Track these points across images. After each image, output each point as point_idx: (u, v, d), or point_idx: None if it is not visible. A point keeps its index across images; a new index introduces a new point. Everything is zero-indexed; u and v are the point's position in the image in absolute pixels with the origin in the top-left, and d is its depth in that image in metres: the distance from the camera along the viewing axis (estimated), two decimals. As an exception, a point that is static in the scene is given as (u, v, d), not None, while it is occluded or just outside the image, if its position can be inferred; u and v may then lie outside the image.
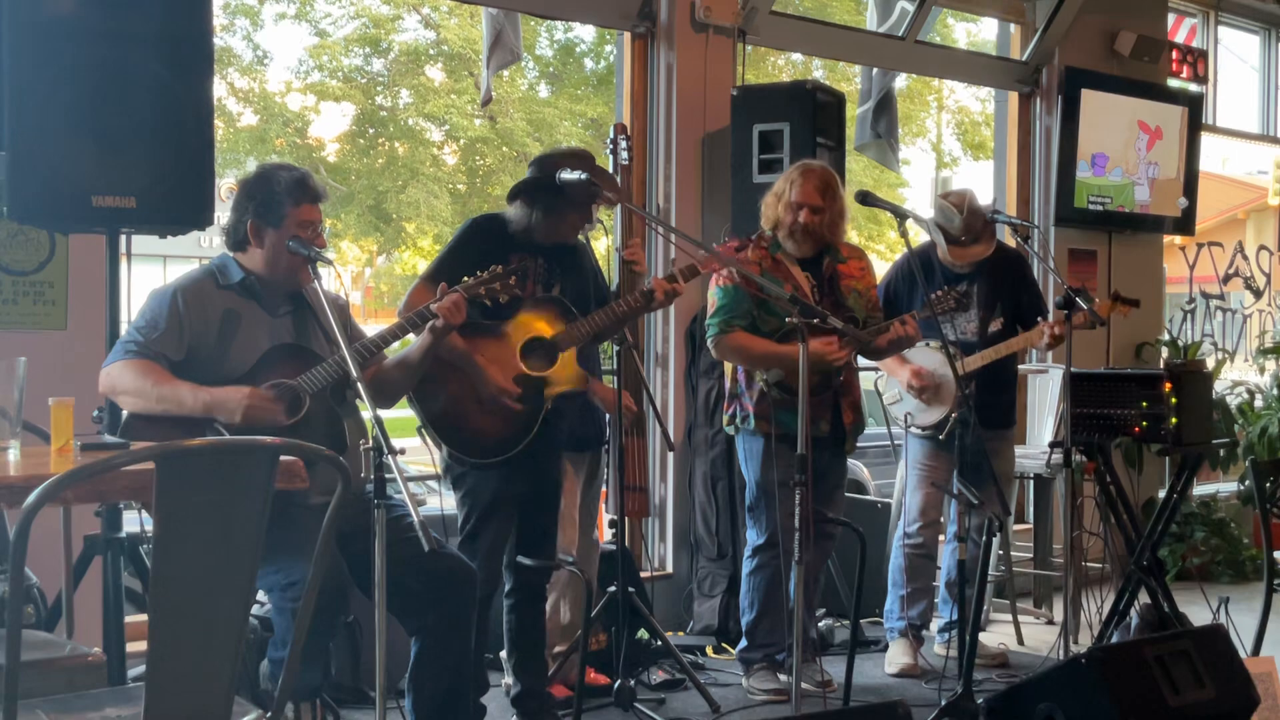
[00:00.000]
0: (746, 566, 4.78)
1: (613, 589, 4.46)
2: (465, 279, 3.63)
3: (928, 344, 4.77)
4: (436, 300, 3.56)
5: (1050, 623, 6.03)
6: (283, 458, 2.37)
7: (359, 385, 3.03)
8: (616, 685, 4.38)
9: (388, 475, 2.82)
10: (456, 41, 13.98)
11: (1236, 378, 8.33)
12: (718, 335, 4.64)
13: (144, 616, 2.66)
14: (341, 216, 14.43)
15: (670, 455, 5.69)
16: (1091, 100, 7.17)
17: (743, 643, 4.84)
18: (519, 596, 4.19)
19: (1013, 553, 6.08)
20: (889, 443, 5.80)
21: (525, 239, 4.04)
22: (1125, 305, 5.26)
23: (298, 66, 14.68)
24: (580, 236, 4.19)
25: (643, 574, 5.37)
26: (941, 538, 5.35)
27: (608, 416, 4.54)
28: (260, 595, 3.38)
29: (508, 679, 4.42)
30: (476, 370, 3.90)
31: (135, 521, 3.55)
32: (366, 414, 2.97)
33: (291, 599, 3.13)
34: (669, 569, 5.82)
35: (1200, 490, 7.70)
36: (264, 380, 3.33)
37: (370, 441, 2.88)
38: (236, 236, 3.49)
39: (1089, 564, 6.04)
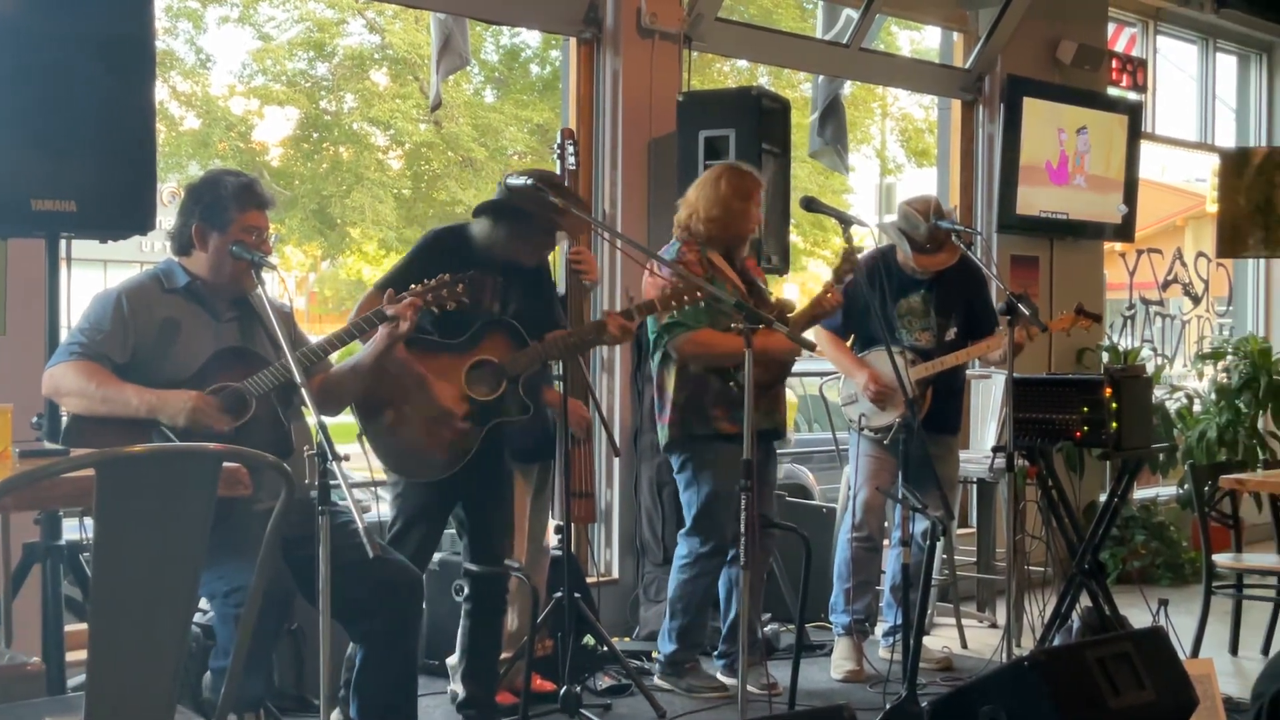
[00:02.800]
0: (686, 572, 4.79)
1: (559, 595, 4.46)
2: (414, 285, 3.62)
3: (890, 349, 4.79)
4: (389, 305, 3.56)
5: (993, 626, 6.10)
6: (226, 464, 2.35)
7: (304, 390, 3.01)
8: (562, 691, 4.38)
9: (332, 481, 2.81)
10: (401, 46, 13.93)
11: (1175, 383, 8.46)
12: (685, 333, 4.64)
13: (84, 625, 2.63)
14: (285, 221, 14.32)
15: (616, 461, 5.70)
16: (1033, 108, 7.26)
17: (670, 648, 4.85)
18: (474, 604, 4.19)
19: (956, 557, 6.14)
20: (834, 447, 5.84)
21: (486, 256, 4.03)
22: (1088, 319, 5.34)
23: (241, 70, 14.55)
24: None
25: (589, 580, 5.37)
26: (886, 542, 5.39)
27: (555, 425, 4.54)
28: (202, 603, 3.35)
29: (454, 685, 4.40)
30: (423, 386, 3.90)
31: (75, 529, 3.51)
32: (312, 419, 2.95)
33: (234, 606, 3.11)
34: (615, 574, 5.82)
35: (1140, 494, 7.81)
36: (210, 383, 3.32)
37: (315, 447, 2.87)
38: (181, 241, 3.47)
39: (1031, 567, 6.11)
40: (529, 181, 3.98)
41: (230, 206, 3.41)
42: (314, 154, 14.94)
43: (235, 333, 3.48)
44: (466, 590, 4.21)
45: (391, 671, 3.49)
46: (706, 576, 4.81)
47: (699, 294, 4.08)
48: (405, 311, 3.54)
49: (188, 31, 13.97)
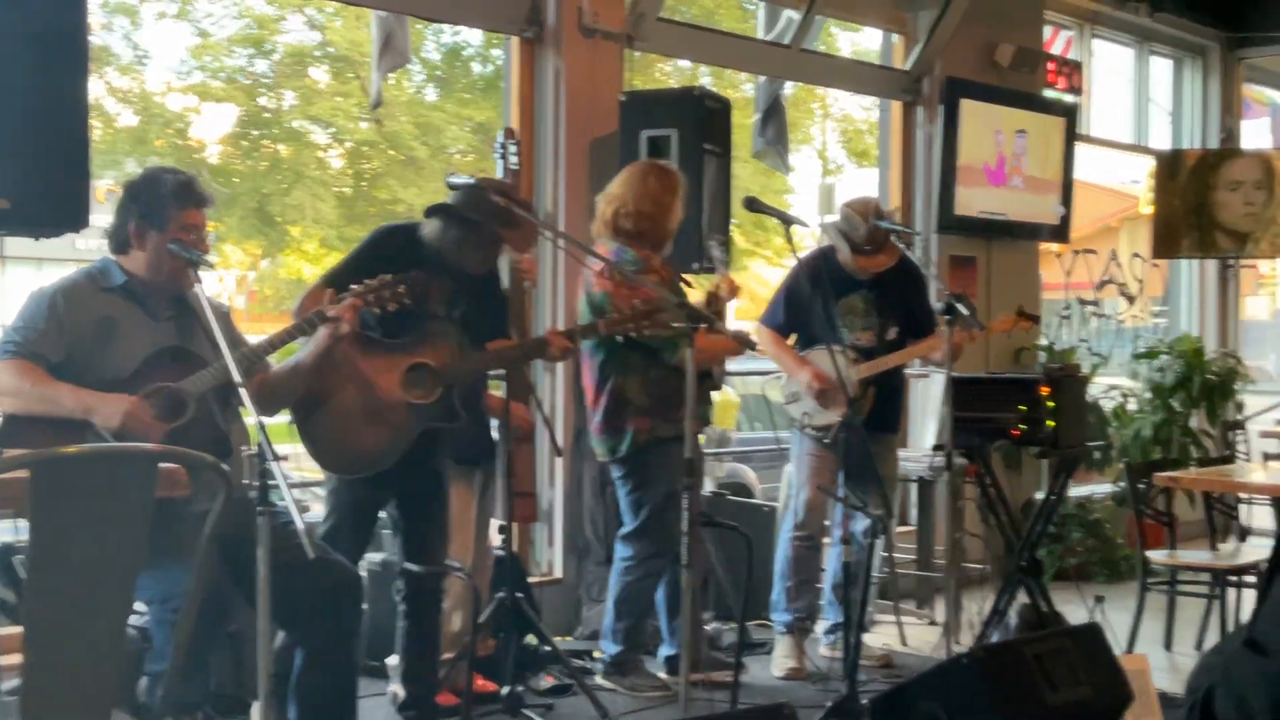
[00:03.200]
0: (633, 574, 4.80)
1: (501, 595, 4.45)
2: (353, 285, 3.60)
3: (829, 348, 4.83)
4: (330, 306, 3.53)
5: (933, 623, 6.15)
6: (163, 464, 2.33)
7: (242, 390, 2.98)
8: (504, 691, 4.37)
9: (271, 482, 2.78)
10: (342, 43, 13.82)
11: (1111, 382, 8.58)
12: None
13: (18, 629, 2.59)
14: (224, 219, 14.17)
15: (559, 460, 5.69)
16: (971, 110, 7.33)
17: (615, 648, 4.85)
18: (411, 604, 4.17)
19: (896, 555, 6.19)
20: (775, 446, 5.86)
21: (435, 258, 4.02)
22: (1027, 320, 5.41)
23: (179, 66, 14.38)
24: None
25: (531, 579, 5.37)
26: (827, 540, 5.43)
27: (496, 424, 4.53)
28: (139, 605, 3.31)
29: (395, 686, 4.38)
30: (359, 383, 3.88)
31: (9, 531, 3.46)
32: (251, 420, 2.93)
33: (172, 610, 3.07)
34: (557, 574, 5.81)
35: (1076, 492, 7.90)
36: (148, 384, 3.28)
37: (254, 448, 2.84)
38: (119, 239, 3.42)
39: (970, 565, 6.17)
40: (478, 187, 3.98)
41: (169, 205, 3.38)
42: (253, 151, 14.80)
43: (173, 332, 3.44)
44: (403, 591, 4.19)
45: (332, 673, 3.47)
46: (652, 578, 4.83)
47: (645, 317, 4.09)
48: (345, 313, 3.52)
49: (124, 27, 13.77)
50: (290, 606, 3.29)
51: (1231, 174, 8.86)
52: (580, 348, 4.55)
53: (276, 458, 2.77)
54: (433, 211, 4.09)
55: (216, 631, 3.26)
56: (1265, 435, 7.95)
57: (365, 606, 3.65)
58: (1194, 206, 8.86)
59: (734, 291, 4.81)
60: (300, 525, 2.80)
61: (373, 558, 4.87)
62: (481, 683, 4.55)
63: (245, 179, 14.50)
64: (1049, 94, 7.99)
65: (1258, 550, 5.91)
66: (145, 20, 13.71)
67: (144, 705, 3.32)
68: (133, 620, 3.53)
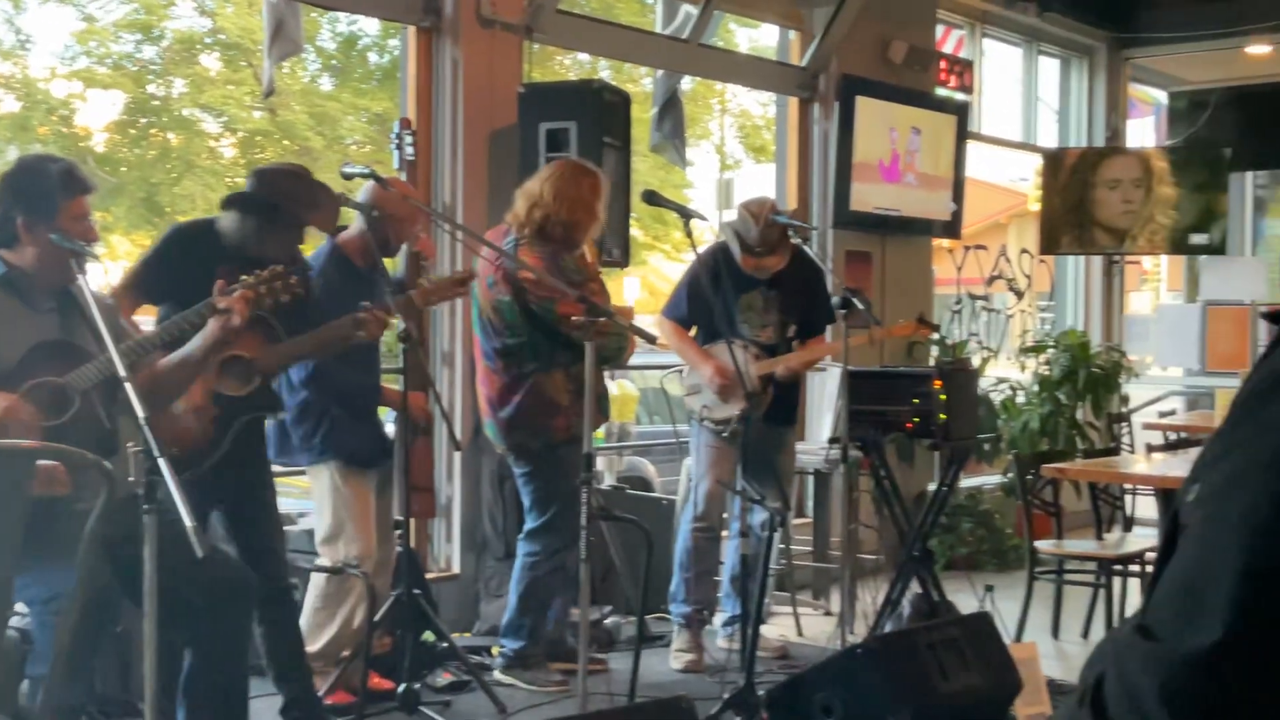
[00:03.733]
0: (540, 569, 4.78)
1: (398, 591, 4.40)
2: (245, 277, 3.52)
3: (730, 344, 4.84)
4: (220, 298, 3.45)
5: (828, 614, 6.21)
6: (42, 461, 2.24)
7: (128, 385, 2.90)
8: (401, 689, 4.31)
9: (158, 478, 2.71)
10: (233, 30, 13.55)
11: (1000, 375, 8.74)
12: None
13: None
14: (111, 209, 13.82)
15: (457, 455, 5.63)
16: (866, 107, 7.41)
17: (519, 643, 4.83)
18: (262, 608, 4.08)
19: (793, 546, 6.24)
20: (674, 439, 5.87)
21: (236, 251, 3.93)
22: (926, 328, 5.48)
23: (63, 52, 13.99)
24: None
25: (429, 575, 5.31)
26: (725, 532, 5.45)
27: (392, 431, 4.49)
28: (20, 607, 3.20)
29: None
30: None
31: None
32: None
33: (54, 611, 2.98)
34: (455, 570, 5.76)
35: (967, 483, 8.04)
36: (30, 378, 3.17)
37: (140, 444, 2.76)
38: (5, 233, 3.30)
39: (864, 556, 6.24)
40: (268, 171, 3.93)
41: (56, 195, 3.27)
42: (141, 139, 14.45)
43: (55, 325, 3.34)
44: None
45: (222, 674, 3.39)
46: (559, 572, 4.82)
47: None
48: (237, 304, 3.44)
49: (6, 11, 13.36)
50: (178, 606, 3.21)
51: (1110, 172, 9.07)
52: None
53: (164, 453, 2.69)
54: (228, 203, 4.01)
55: (102, 633, 3.17)
56: (1149, 427, 8.14)
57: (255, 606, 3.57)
58: (1074, 204, 9.06)
59: (627, 320, 4.80)
60: (189, 523, 2.73)
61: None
62: (378, 680, 4.49)
63: (133, 168, 14.16)
64: (941, 92, 8.10)
65: (1142, 540, 6.06)
66: (29, 4, 13.31)
67: (25, 709, 3.22)
68: (13, 622, 3.42)
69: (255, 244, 3.93)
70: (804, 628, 5.93)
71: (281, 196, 3.91)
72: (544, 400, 4.73)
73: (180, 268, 3.61)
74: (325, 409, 4.42)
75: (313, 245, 4.48)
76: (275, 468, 4.40)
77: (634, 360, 5.26)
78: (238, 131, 14.45)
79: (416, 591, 4.45)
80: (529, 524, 4.83)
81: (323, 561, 4.45)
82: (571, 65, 13.35)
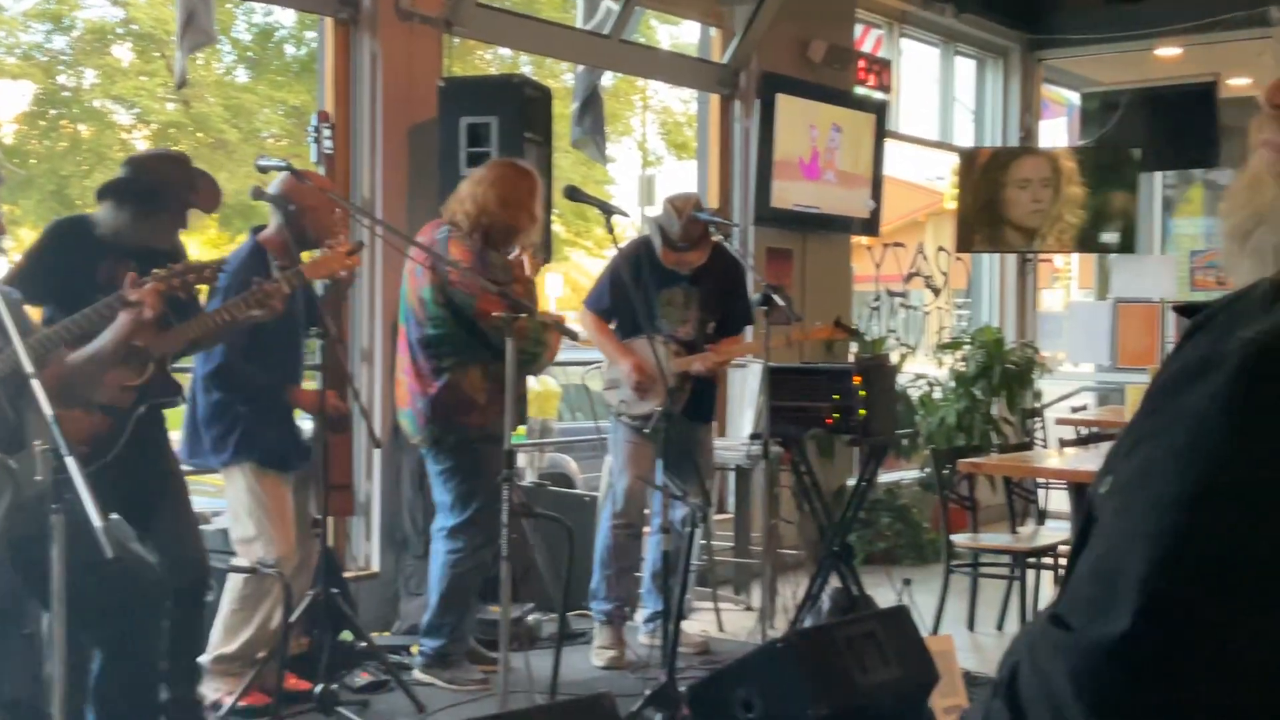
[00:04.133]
0: (462, 565, 4.75)
1: (315, 590, 4.35)
2: (157, 270, 3.45)
3: (650, 339, 4.84)
4: (131, 290, 3.38)
5: (749, 609, 6.24)
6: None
7: (34, 381, 2.83)
8: (318, 690, 4.26)
9: (66, 476, 2.64)
10: (146, 20, 13.30)
11: (918, 371, 8.83)
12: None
13: None
14: (20, 202, 13.51)
15: (376, 452, 5.58)
16: (786, 104, 7.45)
17: (438, 641, 4.80)
18: (173, 603, 4.01)
19: (714, 542, 6.26)
20: (596, 436, 5.87)
21: (115, 242, 3.85)
22: (843, 331, 5.52)
23: (-31, 41, 13.64)
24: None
25: (347, 574, 5.26)
26: (647, 529, 5.45)
27: (310, 428, 4.43)
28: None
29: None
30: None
31: None
32: (47, 412, 2.77)
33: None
34: (375, 568, 5.71)
35: (885, 478, 8.11)
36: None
37: (47, 442, 2.70)
38: None
39: (785, 551, 6.28)
40: (141, 158, 3.87)
41: None
42: (51, 131, 14.14)
43: (-42, 320, 3.24)
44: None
45: (132, 677, 3.33)
46: (480, 568, 4.79)
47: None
48: (148, 297, 3.37)
49: (-92, -2, 13.03)
50: (87, 607, 3.14)
51: (1020, 172, 9.21)
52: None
53: (71, 451, 2.63)
54: (103, 194, 3.93)
55: (9, 635, 3.09)
56: (1061, 422, 8.30)
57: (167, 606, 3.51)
58: (985, 203, 9.19)
59: (549, 315, 4.80)
60: (98, 523, 2.67)
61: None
62: (294, 681, 4.43)
63: (43, 160, 13.86)
64: (860, 91, 8.17)
65: (1055, 533, 6.16)
66: (-67, -9, 12.99)
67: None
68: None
69: (135, 233, 3.85)
70: (725, 623, 5.95)
71: (160, 181, 3.83)
72: (460, 395, 4.70)
73: (57, 267, 3.52)
74: (238, 410, 4.36)
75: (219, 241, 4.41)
76: (185, 466, 4.33)
77: (556, 356, 5.26)
78: (150, 124, 14.19)
79: (334, 590, 4.40)
80: (450, 520, 4.79)
81: (239, 562, 4.38)
82: (492, 60, 13.28)
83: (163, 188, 3.84)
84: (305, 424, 4.68)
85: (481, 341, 4.65)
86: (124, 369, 3.72)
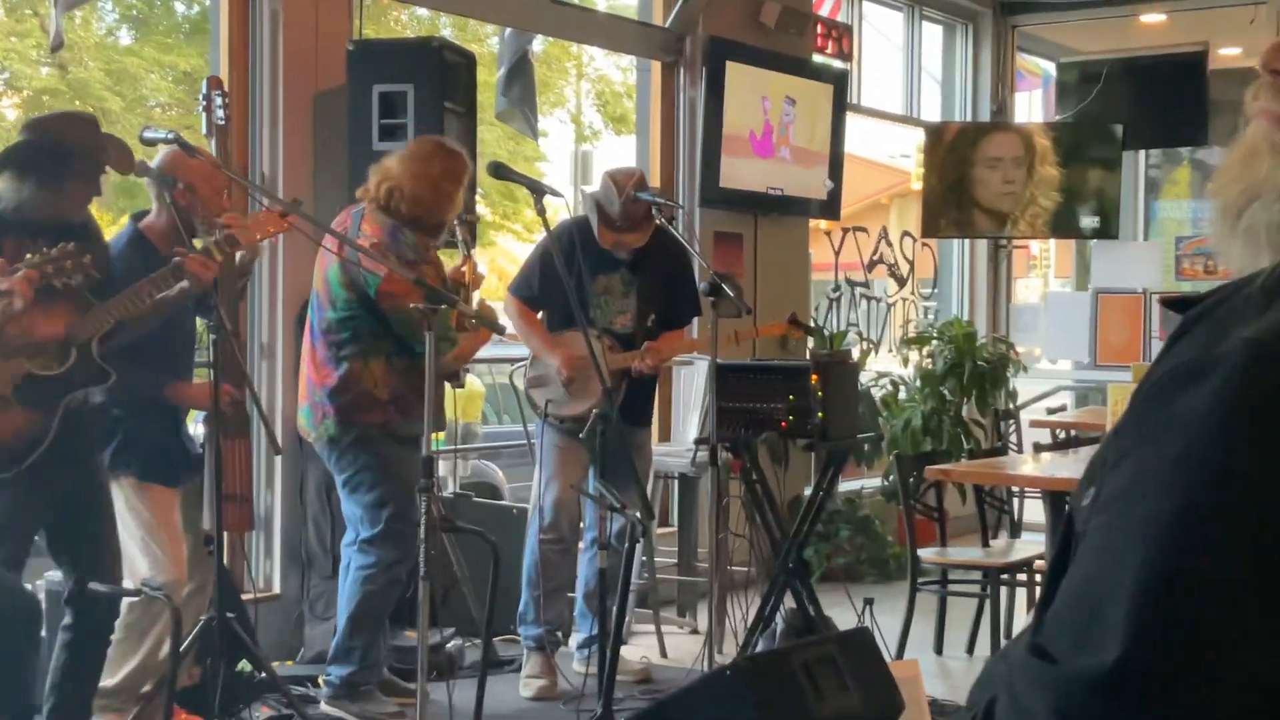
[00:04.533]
0: (374, 584, 4.72)
1: (208, 616, 4.29)
2: (30, 255, 3.40)
3: (585, 331, 4.82)
4: (3, 277, 3.33)
5: (695, 632, 6.25)
6: None
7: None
8: (213, 726, 4.21)
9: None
10: (18, -25, 13.10)
11: (881, 369, 8.89)
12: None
13: None
14: None
15: (278, 460, 5.53)
16: (736, 73, 7.45)
17: (347, 669, 4.76)
18: (74, 634, 3.95)
19: (656, 558, 6.26)
20: (525, 441, 5.84)
21: (17, 218, 3.78)
22: (799, 330, 5.52)
23: None
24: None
25: (245, 596, 5.19)
26: (580, 544, 5.44)
27: (201, 432, 4.38)
28: None
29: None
30: None
31: None
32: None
33: None
34: (276, 590, 5.66)
35: (845, 487, 8.16)
36: None
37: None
38: None
39: (735, 568, 6.29)
40: (35, 123, 3.82)
41: None
42: (-92, 98, 13.90)
43: None
44: (66, 618, 3.95)
45: (4, 706, 3.27)
46: (395, 586, 4.77)
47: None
48: (19, 285, 3.31)
49: None
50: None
51: (990, 150, 9.29)
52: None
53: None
54: (2, 164, 3.84)
55: None
56: (1036, 425, 8.39)
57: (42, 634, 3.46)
58: (953, 184, 9.26)
59: (477, 280, 4.78)
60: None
61: (53, 576, 4.61)
62: (185, 718, 4.38)
63: (-101, 130, 13.62)
64: (818, 59, 8.20)
65: (1030, 546, 6.22)
66: None
67: None
68: None
69: (42, 206, 3.78)
70: (668, 648, 5.96)
71: (69, 144, 3.76)
72: (359, 389, 4.67)
73: None
74: (113, 415, 4.28)
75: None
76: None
77: (481, 352, 5.24)
78: (22, 90, 13.97)
79: (230, 615, 4.34)
80: (361, 534, 4.76)
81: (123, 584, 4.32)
82: (409, 22, 13.20)
83: (72, 152, 3.76)
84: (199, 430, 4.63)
85: (386, 330, 4.62)
86: (41, 359, 3.66)
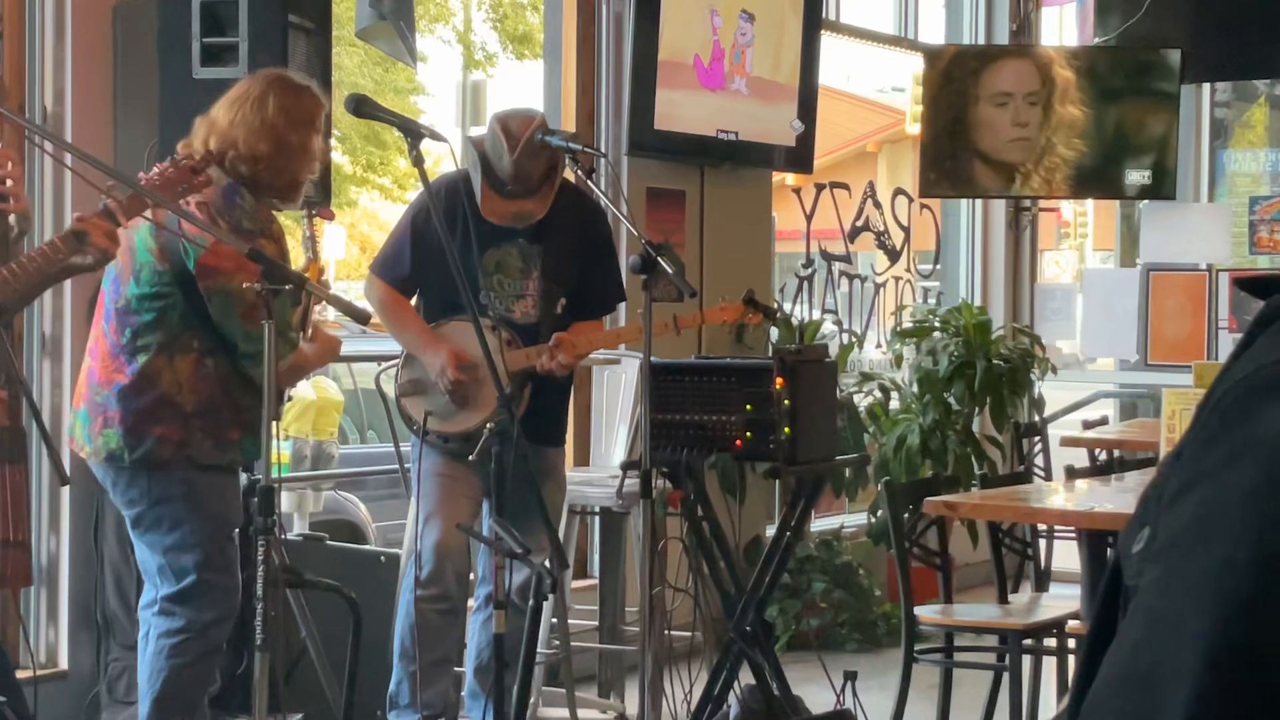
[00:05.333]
0: (184, 654, 4.69)
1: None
2: None
3: (476, 319, 4.80)
4: None
5: (622, 717, 6.25)
6: None
7: None
8: None
9: None
10: None
11: (867, 369, 8.92)
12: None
13: None
14: None
15: (65, 492, 5.48)
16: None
17: None
18: None
19: (571, 620, 6.25)
20: (397, 466, 5.82)
21: None
22: (757, 314, 5.52)
23: None
24: None
25: (21, 674, 5.15)
26: (471, 602, 5.43)
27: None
28: None
29: None
30: None
31: None
32: None
33: None
34: (63, 664, 5.63)
35: (820, 525, 8.19)
36: None
37: None
38: None
39: (675, 632, 6.29)
40: None
41: None
42: None
43: None
44: None
45: None
46: (211, 656, 4.74)
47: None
48: None
49: None
50: None
51: (997, 82, 9.31)
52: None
53: None
54: None
55: None
56: (1069, 443, 8.44)
57: None
58: (949, 126, 9.28)
59: (324, 289, 4.76)
60: None
61: None
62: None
63: None
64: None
65: (1061, 604, 6.26)
66: None
67: None
68: None
69: None
70: (587, 739, 5.96)
71: None
72: (155, 391, 4.63)
73: None
74: None
75: None
76: None
77: (333, 356, 5.22)
78: None
79: (1, 699, 4.31)
80: (161, 590, 4.72)
81: None
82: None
83: None
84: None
85: (201, 318, 4.58)
86: None
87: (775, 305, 8.25)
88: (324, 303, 4.67)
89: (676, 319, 5.40)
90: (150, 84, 5.50)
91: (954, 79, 9.26)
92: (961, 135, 9.25)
